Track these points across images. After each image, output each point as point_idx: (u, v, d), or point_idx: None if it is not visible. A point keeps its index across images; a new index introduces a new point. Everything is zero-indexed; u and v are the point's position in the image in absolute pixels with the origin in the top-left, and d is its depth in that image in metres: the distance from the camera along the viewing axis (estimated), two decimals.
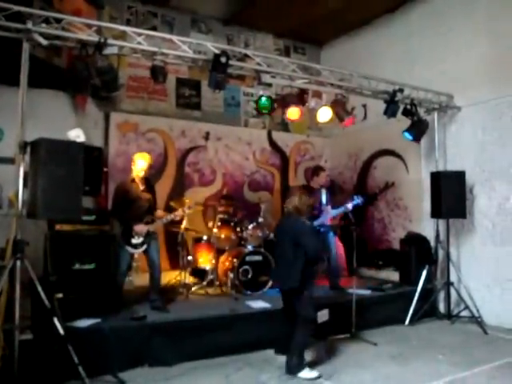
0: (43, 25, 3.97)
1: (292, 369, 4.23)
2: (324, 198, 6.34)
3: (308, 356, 4.53)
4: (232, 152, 8.14)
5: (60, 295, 4.66)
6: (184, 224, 6.04)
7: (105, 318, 4.59)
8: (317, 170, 6.55)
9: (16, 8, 3.87)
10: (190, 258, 6.37)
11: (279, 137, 8.74)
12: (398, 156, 7.70)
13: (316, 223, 6.07)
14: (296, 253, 4.36)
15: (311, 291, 4.48)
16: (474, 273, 6.33)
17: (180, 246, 6.14)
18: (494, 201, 6.20)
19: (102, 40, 4.17)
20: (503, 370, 4.45)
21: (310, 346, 4.63)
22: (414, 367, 4.51)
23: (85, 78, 4.26)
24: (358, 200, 6.10)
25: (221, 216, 6.41)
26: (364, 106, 8.23)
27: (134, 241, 5.04)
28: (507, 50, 6.04)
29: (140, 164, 5.15)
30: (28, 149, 3.91)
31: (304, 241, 4.34)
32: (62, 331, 3.87)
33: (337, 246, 6.71)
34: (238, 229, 6.44)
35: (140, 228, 5.04)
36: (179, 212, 5.40)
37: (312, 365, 4.42)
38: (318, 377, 4.21)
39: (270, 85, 7.79)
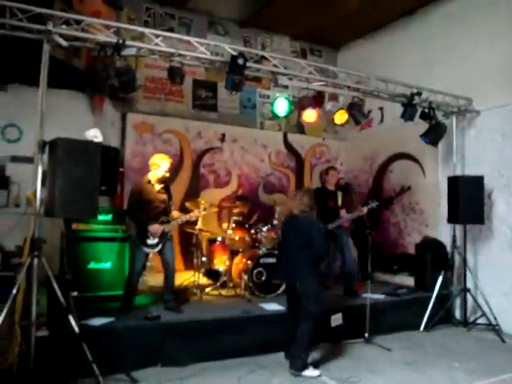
0: (63, 26, 4.03)
1: (297, 367, 4.34)
2: (340, 201, 6.30)
3: (312, 356, 4.63)
4: (247, 154, 8.14)
5: (75, 293, 4.73)
6: (199, 225, 6.07)
7: (119, 317, 4.63)
8: (327, 170, 6.53)
9: (37, 10, 3.94)
10: (204, 259, 6.39)
11: (295, 139, 8.72)
12: (415, 160, 7.61)
13: (331, 226, 6.04)
14: (306, 249, 4.43)
15: (319, 288, 4.52)
16: (492, 279, 6.21)
17: (194, 247, 6.17)
18: None
19: (121, 41, 4.21)
20: None
21: (314, 345, 4.69)
22: (428, 374, 4.45)
23: (103, 78, 4.31)
24: (372, 204, 6.06)
25: (235, 218, 6.41)
26: (381, 109, 8.16)
27: (149, 241, 5.07)
28: None
29: (165, 165, 5.18)
30: (46, 148, 3.97)
31: (312, 236, 4.42)
32: (76, 329, 3.92)
33: (351, 250, 6.66)
34: (253, 231, 6.44)
35: (155, 228, 5.07)
36: (194, 213, 5.42)
37: (315, 364, 4.53)
38: (319, 375, 4.34)
39: (286, 87, 7.82)
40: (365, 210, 5.99)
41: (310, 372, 4.34)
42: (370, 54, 8.34)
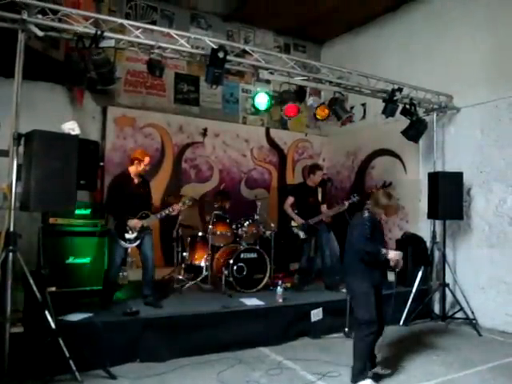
0: (39, 16, 3.93)
1: (352, 376, 3.99)
2: (320, 197, 6.33)
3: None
4: (229, 149, 8.10)
5: (53, 289, 4.66)
6: (180, 220, 6.03)
7: (97, 313, 4.58)
8: (313, 169, 6.53)
9: None
10: (185, 254, 6.35)
11: (277, 134, 8.70)
12: (396, 156, 7.66)
13: (311, 221, 6.07)
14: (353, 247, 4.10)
15: (368, 289, 3.98)
16: (470, 274, 6.30)
17: (175, 242, 6.13)
18: (491, 203, 6.17)
19: (99, 32, 4.14)
20: (495, 372, 4.44)
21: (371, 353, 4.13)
22: (406, 368, 4.48)
23: (80, 70, 4.24)
24: (354, 199, 6.09)
25: (216, 212, 6.36)
26: (363, 105, 8.20)
27: (128, 235, 5.02)
28: (507, 51, 6.01)
29: (147, 161, 5.19)
30: (22, 141, 3.89)
31: (353, 232, 4.09)
32: (53, 325, 3.86)
33: (333, 245, 6.70)
34: (234, 226, 6.42)
35: (134, 223, 5.03)
36: (174, 207, 5.37)
37: (378, 377, 4.13)
38: None
39: (269, 82, 7.79)
40: (346, 204, 6.01)
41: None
42: (354, 50, 8.37)
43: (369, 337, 3.93)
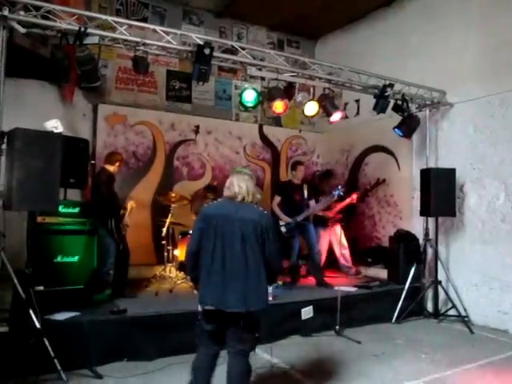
0: (21, 12, 3.89)
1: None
2: (306, 193, 6.30)
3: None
4: (222, 146, 8.04)
5: (41, 288, 4.63)
6: (170, 218, 6.00)
7: (84, 311, 4.55)
8: (294, 165, 6.56)
9: None
10: (176, 252, 6.32)
11: (271, 131, 8.63)
12: (390, 152, 7.61)
13: (299, 218, 6.05)
14: (262, 257, 3.11)
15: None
16: (463, 272, 6.27)
17: (165, 240, 6.11)
18: (483, 199, 6.12)
19: (82, 29, 4.09)
20: (484, 370, 4.41)
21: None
22: (395, 366, 4.45)
23: (65, 68, 4.21)
24: (338, 191, 6.13)
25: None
26: (357, 101, 8.15)
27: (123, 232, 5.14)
28: (500, 47, 5.95)
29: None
30: (5, 140, 3.87)
31: (271, 240, 3.11)
32: (37, 324, 3.84)
33: (320, 241, 6.73)
34: None
35: (127, 220, 5.22)
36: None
37: None
38: None
39: (263, 78, 7.76)
40: (328, 199, 6.06)
41: None
42: (347, 46, 8.32)
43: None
